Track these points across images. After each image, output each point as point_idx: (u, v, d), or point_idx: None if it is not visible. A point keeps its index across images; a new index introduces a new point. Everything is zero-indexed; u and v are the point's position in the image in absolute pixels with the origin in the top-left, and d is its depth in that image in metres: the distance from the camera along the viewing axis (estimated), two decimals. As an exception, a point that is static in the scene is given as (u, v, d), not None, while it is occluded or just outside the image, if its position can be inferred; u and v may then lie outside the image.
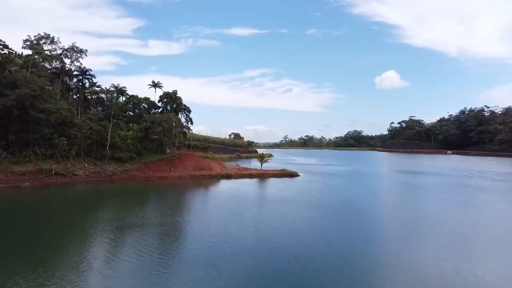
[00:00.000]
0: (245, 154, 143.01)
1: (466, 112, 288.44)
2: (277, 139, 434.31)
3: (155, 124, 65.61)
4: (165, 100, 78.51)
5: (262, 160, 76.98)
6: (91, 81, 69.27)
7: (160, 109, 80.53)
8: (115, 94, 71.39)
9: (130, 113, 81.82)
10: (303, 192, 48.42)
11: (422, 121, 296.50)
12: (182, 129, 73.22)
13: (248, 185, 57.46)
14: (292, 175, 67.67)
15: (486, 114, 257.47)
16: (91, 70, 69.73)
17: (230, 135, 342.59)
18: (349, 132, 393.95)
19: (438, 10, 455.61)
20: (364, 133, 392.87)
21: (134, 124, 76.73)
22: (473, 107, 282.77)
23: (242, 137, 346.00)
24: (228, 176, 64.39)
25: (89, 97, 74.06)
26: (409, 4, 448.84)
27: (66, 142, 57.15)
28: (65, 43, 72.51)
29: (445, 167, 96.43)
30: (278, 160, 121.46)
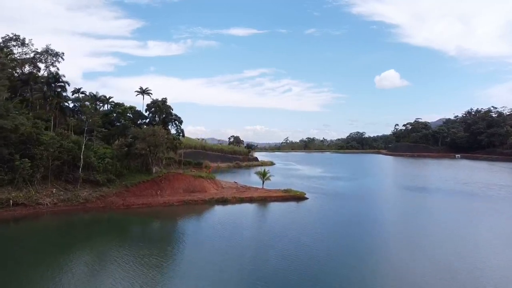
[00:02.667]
0: (244, 163, 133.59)
1: (473, 113, 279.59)
2: (277, 139, 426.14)
3: (138, 139, 56.01)
4: (153, 109, 68.90)
5: (263, 178, 67.29)
6: (65, 88, 59.76)
7: (147, 120, 70.88)
8: (90, 105, 61.63)
9: (118, 123, 72.21)
10: (315, 233, 38.50)
11: (428, 123, 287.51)
12: (172, 144, 63.58)
13: (246, 216, 47.94)
14: (299, 198, 58.05)
15: (493, 115, 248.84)
16: (64, 76, 60.27)
17: (229, 138, 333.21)
18: (351, 133, 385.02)
19: (437, 9, 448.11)
20: (366, 135, 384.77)
21: (119, 138, 67.08)
22: (479, 108, 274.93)
23: (242, 140, 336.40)
24: (224, 201, 54.80)
25: (65, 106, 64.82)
26: (408, 2, 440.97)
27: (30, 164, 47.57)
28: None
29: (472, 180, 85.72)
30: (280, 171, 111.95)
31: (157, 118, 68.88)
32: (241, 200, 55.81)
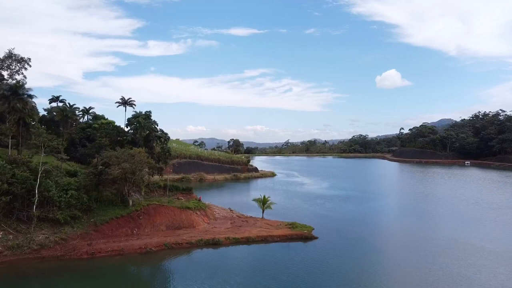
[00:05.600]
0: (243, 175, 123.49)
1: (480, 117, 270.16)
2: (277, 139, 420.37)
3: (111, 165, 45.81)
4: (134, 125, 58.62)
5: (263, 207, 57.32)
6: (23, 101, 49.67)
7: (127, 137, 60.58)
8: (66, 114, 51.29)
9: (108, 138, 62.01)
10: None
11: (435, 127, 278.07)
12: (154, 168, 53.45)
13: (239, 269, 37.66)
14: (307, 237, 47.78)
15: (501, 118, 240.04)
16: (25, 87, 50.18)
17: (229, 142, 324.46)
18: (353, 136, 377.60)
19: (437, 8, 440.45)
20: (367, 135, 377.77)
21: (93, 158, 56.92)
22: (487, 111, 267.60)
23: (242, 144, 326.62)
24: (215, 243, 44.56)
25: (30, 120, 54.89)
26: (407, 2, 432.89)
27: (-32, 202, 37.57)
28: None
29: (505, 203, 74.85)
30: (282, 185, 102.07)
31: (138, 135, 58.71)
32: (236, 241, 45.56)
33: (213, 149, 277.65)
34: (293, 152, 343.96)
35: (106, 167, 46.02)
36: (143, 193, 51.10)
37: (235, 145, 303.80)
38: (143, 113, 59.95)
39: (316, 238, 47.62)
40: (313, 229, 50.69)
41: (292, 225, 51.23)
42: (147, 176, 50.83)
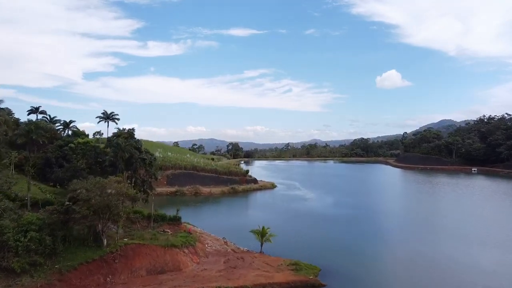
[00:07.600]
0: (241, 187, 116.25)
1: (485, 121, 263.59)
2: (277, 139, 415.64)
3: (80, 201, 38.48)
4: (114, 146, 51.06)
5: (262, 240, 50.12)
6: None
7: (107, 160, 53.12)
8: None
9: (86, 159, 54.66)
10: None
11: (440, 131, 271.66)
12: (134, 200, 46.13)
13: None
14: (313, 285, 40.47)
15: (507, 121, 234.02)
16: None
17: (228, 146, 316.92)
18: (355, 140, 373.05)
19: (436, 8, 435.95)
20: (370, 140, 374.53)
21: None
22: (492, 115, 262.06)
23: (241, 148, 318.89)
24: (203, 295, 37.32)
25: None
26: (407, 2, 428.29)
27: None
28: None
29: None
30: (282, 202, 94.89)
31: (119, 158, 51.25)
32: (230, 291, 38.31)
33: (212, 152, 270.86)
34: (293, 156, 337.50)
35: (74, 202, 38.68)
36: (121, 229, 43.72)
37: (234, 149, 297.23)
38: (126, 130, 52.67)
39: (324, 285, 40.31)
40: (320, 270, 43.50)
41: (295, 266, 43.84)
42: (127, 208, 43.49)
